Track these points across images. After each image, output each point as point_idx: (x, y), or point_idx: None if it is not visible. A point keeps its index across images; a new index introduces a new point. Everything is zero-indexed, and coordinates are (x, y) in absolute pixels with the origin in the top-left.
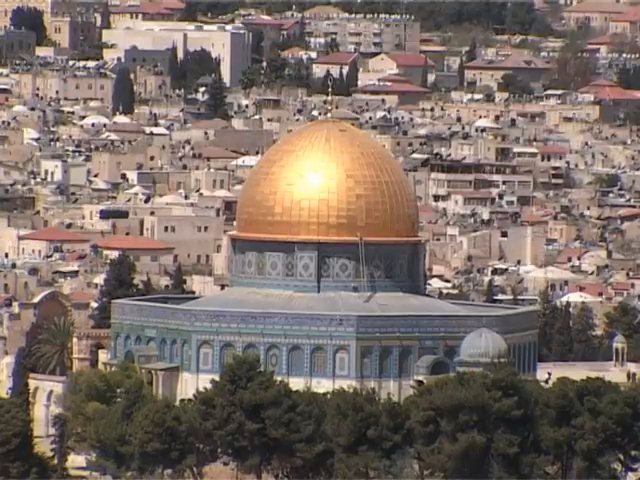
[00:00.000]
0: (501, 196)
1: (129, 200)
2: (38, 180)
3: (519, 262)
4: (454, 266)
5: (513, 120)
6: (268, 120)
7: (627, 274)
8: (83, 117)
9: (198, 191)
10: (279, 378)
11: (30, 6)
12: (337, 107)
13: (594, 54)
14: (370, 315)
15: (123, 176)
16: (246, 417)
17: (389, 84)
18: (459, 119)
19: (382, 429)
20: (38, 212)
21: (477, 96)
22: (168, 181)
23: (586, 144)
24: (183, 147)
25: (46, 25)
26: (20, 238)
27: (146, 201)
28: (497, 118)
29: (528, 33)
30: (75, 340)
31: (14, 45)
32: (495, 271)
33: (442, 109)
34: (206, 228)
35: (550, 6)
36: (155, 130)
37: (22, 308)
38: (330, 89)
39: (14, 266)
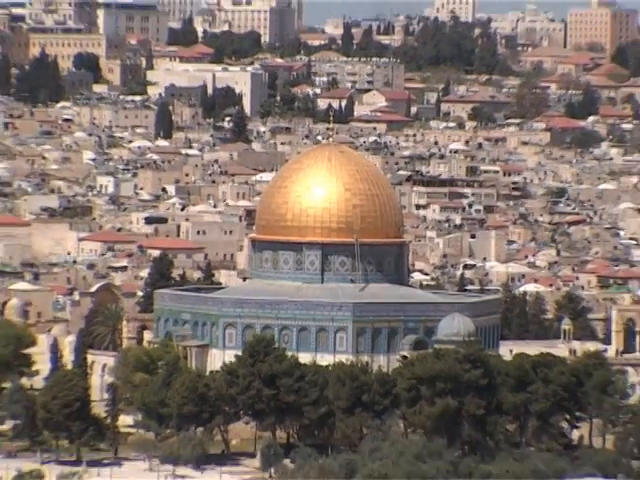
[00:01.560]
0: (470, 205)
1: (168, 209)
2: (94, 192)
3: (485, 259)
4: (432, 262)
5: (480, 144)
6: (281, 144)
7: (572, 269)
8: (130, 141)
9: (224, 201)
10: (290, 353)
11: (88, 51)
12: (337, 133)
13: (545, 90)
14: (364, 302)
15: (163, 189)
16: (263, 385)
17: (379, 114)
18: (436, 143)
19: (374, 395)
20: (94, 218)
21: (451, 124)
22: (200, 193)
23: (539, 163)
24: (212, 165)
25: (101, 67)
26: (80, 240)
27: (182, 209)
28: (467, 142)
29: (492, 73)
30: (124, 322)
31: (75, 83)
32: (465, 266)
33: (422, 135)
34: (231, 231)
35: (510, 51)
36: (189, 152)
37: (81, 296)
38: (331, 118)
39: (75, 262)
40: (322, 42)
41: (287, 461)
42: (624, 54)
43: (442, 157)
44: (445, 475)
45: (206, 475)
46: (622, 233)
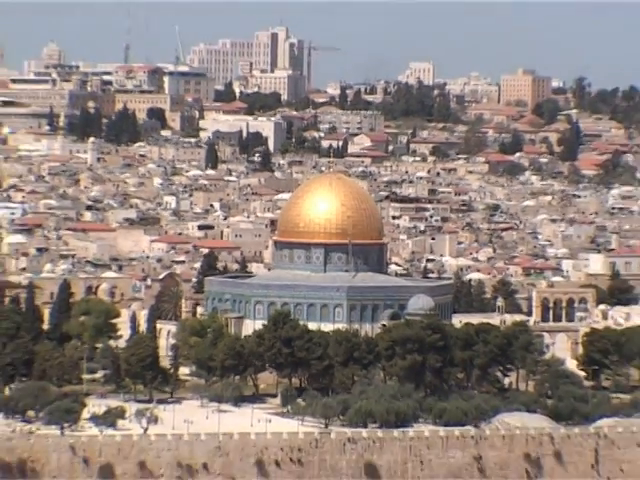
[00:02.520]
0: (431, 216)
1: (214, 219)
2: (161, 207)
3: (441, 255)
4: (403, 257)
5: (438, 172)
6: (295, 172)
7: (504, 262)
8: (187, 171)
9: (254, 214)
10: (302, 323)
11: (157, 106)
12: (335, 165)
13: (485, 134)
14: (355, 286)
15: (211, 205)
16: (282, 345)
17: (366, 151)
18: (406, 172)
19: (362, 352)
20: (161, 226)
21: (417, 159)
22: (237, 208)
23: (480, 186)
24: (246, 188)
25: (166, 117)
26: (151, 241)
27: (224, 219)
28: (429, 171)
29: (447, 122)
30: (183, 301)
31: (148, 129)
32: (427, 260)
33: (397, 166)
34: (259, 235)
35: (459, 106)
36: (229, 178)
37: (152, 282)
38: (331, 155)
39: (147, 257)
40: (325, 99)
41: (299, 400)
42: (541, 108)
43: (411, 182)
44: (413, 410)
45: (241, 410)
46: (540, 237)
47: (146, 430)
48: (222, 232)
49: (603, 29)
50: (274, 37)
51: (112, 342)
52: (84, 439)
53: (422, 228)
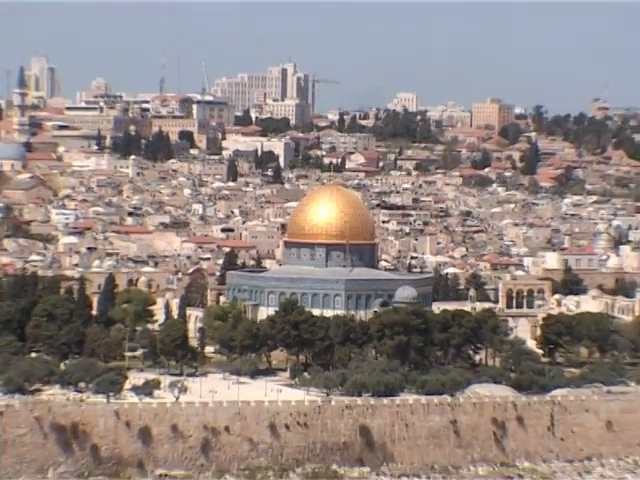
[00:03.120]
0: (415, 221)
1: (234, 223)
2: (191, 214)
3: (423, 253)
4: (392, 255)
5: (420, 184)
6: (301, 185)
7: (475, 259)
8: (212, 183)
9: (268, 219)
10: (307, 309)
11: (187, 129)
12: (335, 178)
13: (459, 153)
14: (351, 279)
15: (232, 212)
16: (291, 328)
17: (360, 167)
18: (394, 184)
19: (357, 334)
20: (190, 229)
21: (403, 173)
22: (253, 214)
23: (455, 196)
24: (260, 198)
25: (195, 139)
26: (182, 242)
27: (242, 223)
28: (412, 184)
29: (427, 143)
30: (208, 291)
31: (179, 148)
32: (412, 257)
33: (386, 179)
34: (272, 237)
35: (438, 129)
36: (247, 189)
37: (183, 275)
38: (331, 170)
39: (179, 255)
40: (326, 124)
41: (305, 373)
42: (506, 131)
43: (397, 192)
44: (399, 382)
45: (257, 382)
46: (505, 238)
47: (177, 398)
48: (241, 234)
49: (558, 64)
50: (284, 72)
51: (149, 325)
52: (126, 406)
53: (407, 231)
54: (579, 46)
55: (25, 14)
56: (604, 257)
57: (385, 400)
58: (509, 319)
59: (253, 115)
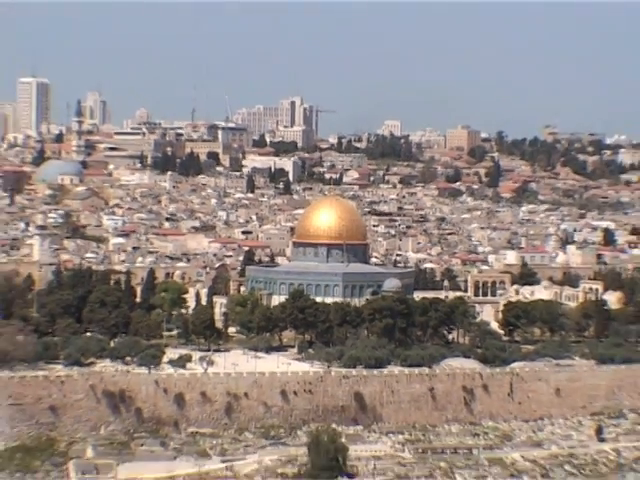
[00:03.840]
0: (399, 225)
1: (252, 227)
2: (216, 219)
3: (406, 251)
4: (381, 253)
5: (404, 196)
6: (307, 195)
7: (448, 256)
8: (234, 194)
9: (280, 223)
10: (311, 297)
11: (213, 150)
12: (334, 190)
13: (436, 170)
14: (347, 272)
15: (250, 217)
16: (298, 312)
17: (355, 181)
18: (382, 195)
19: (352, 317)
20: (216, 232)
21: (390, 186)
22: (268, 219)
23: (433, 205)
24: (274, 206)
25: (220, 158)
26: (209, 242)
27: (259, 227)
28: (397, 195)
29: (410, 161)
30: (231, 282)
31: (207, 166)
32: (397, 255)
33: (375, 192)
34: (283, 238)
35: (419, 150)
36: (263, 199)
37: (210, 270)
38: (331, 183)
39: (207, 253)
40: (327, 146)
41: (310, 350)
42: (473, 152)
43: (385, 202)
44: (387, 356)
45: (271, 356)
46: (473, 239)
47: (206, 370)
48: (257, 235)
49: (516, 97)
50: (292, 103)
51: (183, 310)
52: (164, 376)
53: (393, 233)
54: (532, 82)
55: (80, 56)
56: (554, 255)
57: (375, 371)
58: (476, 305)
59: (267, 139)
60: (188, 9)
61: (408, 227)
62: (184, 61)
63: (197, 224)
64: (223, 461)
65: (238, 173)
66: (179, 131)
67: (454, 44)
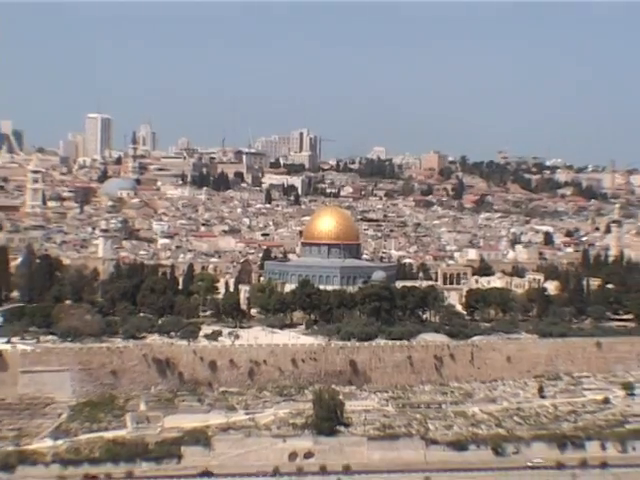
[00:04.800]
0: (384, 229)
1: (270, 230)
2: (242, 224)
3: (390, 250)
4: (370, 251)
5: (388, 206)
6: (313, 206)
7: (423, 253)
8: (255, 204)
9: (291, 227)
10: (316, 285)
11: (238, 170)
12: (333, 202)
13: (413, 186)
14: (344, 266)
15: (268, 223)
16: (305, 297)
17: (350, 195)
18: (371, 206)
19: (348, 301)
20: (242, 234)
21: (377, 198)
22: (281, 224)
23: (410, 213)
24: (286, 214)
25: (244, 176)
26: (236, 242)
27: (275, 230)
28: (383, 205)
29: (392, 179)
30: (253, 274)
31: (234, 183)
32: (382, 252)
33: (366, 203)
34: (294, 239)
35: (399, 170)
36: (277, 209)
37: (236, 263)
38: (331, 196)
39: (234, 251)
40: (328, 167)
41: (315, 326)
42: (442, 172)
43: (374, 211)
44: (375, 332)
45: (284, 332)
46: (442, 240)
47: (233, 342)
48: (273, 237)
49: (477, 127)
50: (301, 134)
51: (215, 296)
52: (200, 347)
53: (379, 235)
54: (488, 116)
55: (135, 94)
56: (505, 252)
57: (365, 343)
58: (444, 292)
59: (281, 161)
60: (218, 63)
61: (391, 231)
62: (216, 99)
63: (226, 228)
64: (247, 413)
65: (258, 188)
66: (212, 155)
67: (429, 85)
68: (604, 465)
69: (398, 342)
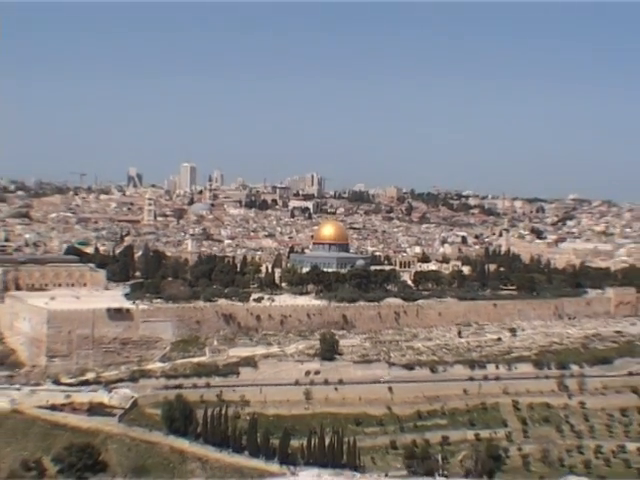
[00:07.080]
0: (363, 235)
1: (293, 235)
2: (275, 231)
3: (367, 247)
4: (355, 248)
5: (366, 220)
6: (320, 220)
7: (387, 249)
8: (283, 220)
9: (304, 233)
10: (322, 268)
11: (274, 198)
12: (331, 217)
13: (381, 208)
14: (339, 256)
15: (291, 231)
16: (315, 275)
17: (342, 213)
18: (355, 221)
19: (341, 278)
20: (275, 237)
21: (359, 215)
22: (300, 231)
23: (380, 224)
24: (303, 225)
25: (277, 202)
26: (272, 242)
27: (297, 234)
28: (362, 220)
29: (368, 203)
30: (283, 261)
31: (272, 207)
32: (363, 249)
33: (352, 219)
34: (308, 240)
35: (373, 198)
36: (297, 221)
37: (273, 256)
38: (331, 214)
39: (270, 248)
40: (328, 196)
41: (320, 294)
42: (400, 199)
43: (357, 223)
44: (358, 297)
45: (302, 297)
46: (399, 241)
47: (270, 303)
48: (296, 239)
49: (419, 169)
50: (312, 176)
51: (260, 275)
52: (250, 306)
53: (360, 238)
54: (428, 162)
55: (211, 146)
56: (438, 248)
57: (352, 304)
58: (401, 273)
59: (300, 192)
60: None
61: (368, 235)
62: (261, 147)
63: (266, 234)
64: (279, 347)
65: (286, 209)
66: (257, 189)
67: (398, 133)
68: (497, 378)
69: (372, 303)
